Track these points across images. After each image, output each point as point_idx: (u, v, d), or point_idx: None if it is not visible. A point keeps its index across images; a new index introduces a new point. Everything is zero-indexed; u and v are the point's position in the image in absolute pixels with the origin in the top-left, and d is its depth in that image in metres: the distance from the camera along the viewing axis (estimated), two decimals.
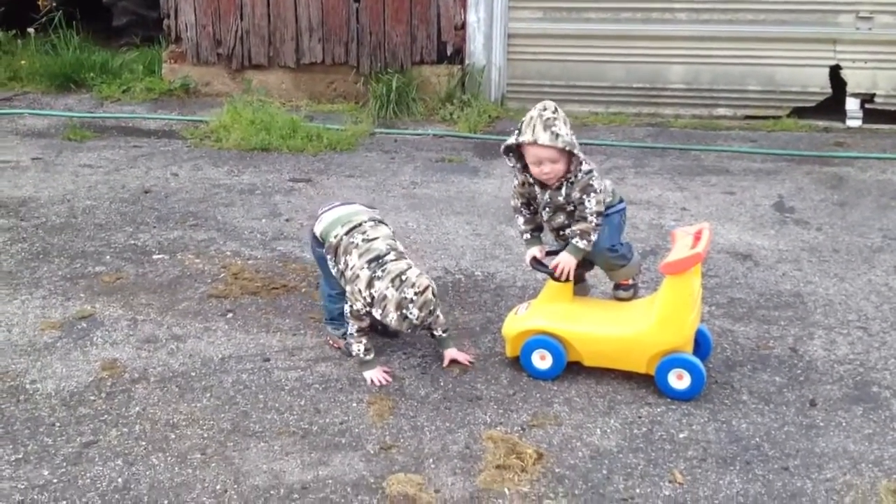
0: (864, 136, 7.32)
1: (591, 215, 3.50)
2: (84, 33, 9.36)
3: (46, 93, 8.70)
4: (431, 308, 3.54)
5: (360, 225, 3.70)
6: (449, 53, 8.17)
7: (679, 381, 3.43)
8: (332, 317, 3.87)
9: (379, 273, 3.52)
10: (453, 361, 3.73)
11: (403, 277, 3.50)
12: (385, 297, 3.49)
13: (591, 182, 3.47)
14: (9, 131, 7.44)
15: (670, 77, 7.98)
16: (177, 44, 8.77)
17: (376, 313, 3.54)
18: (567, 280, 3.66)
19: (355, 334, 3.64)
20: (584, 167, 3.48)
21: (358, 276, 3.56)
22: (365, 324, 3.63)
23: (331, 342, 3.88)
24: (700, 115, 7.88)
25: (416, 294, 3.48)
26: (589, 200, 3.48)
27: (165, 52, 8.89)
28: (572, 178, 3.49)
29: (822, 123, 7.56)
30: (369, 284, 3.53)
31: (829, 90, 7.65)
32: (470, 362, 3.73)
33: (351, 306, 3.60)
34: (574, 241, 3.54)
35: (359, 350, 3.64)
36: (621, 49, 8.01)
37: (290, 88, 8.53)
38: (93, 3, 9.92)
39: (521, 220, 3.74)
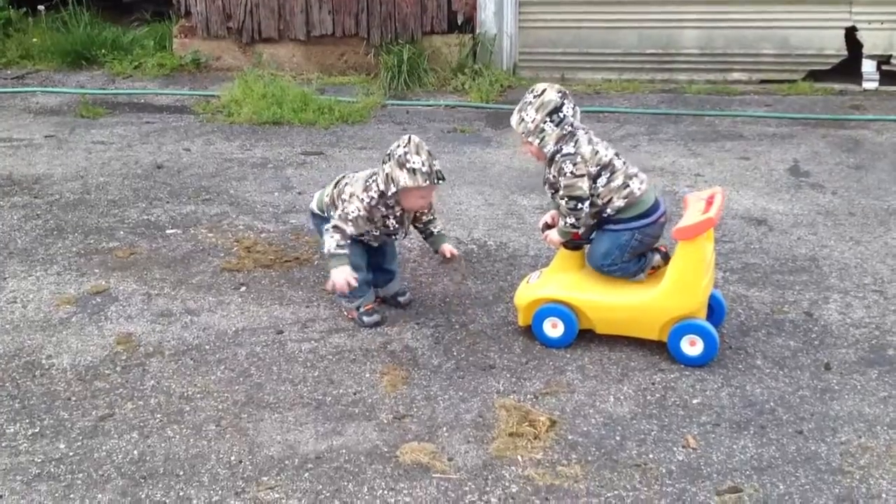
0: (881, 98, 7.23)
1: (562, 199, 3.50)
2: (94, 10, 9.33)
3: (58, 70, 8.71)
4: (427, 149, 3.60)
5: (343, 177, 3.89)
6: (460, 22, 8.11)
7: (692, 347, 3.42)
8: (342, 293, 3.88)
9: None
10: (452, 255, 3.87)
11: (389, 155, 3.62)
12: (386, 172, 3.59)
13: (563, 165, 3.45)
14: (21, 109, 7.46)
15: (683, 42, 7.89)
16: (187, 18, 8.75)
17: (391, 188, 3.57)
18: (576, 248, 3.64)
19: (331, 230, 3.67)
20: (566, 149, 3.46)
21: (354, 186, 3.70)
22: (348, 232, 3.65)
23: (345, 313, 3.89)
24: (714, 80, 7.80)
25: (404, 147, 3.57)
26: (562, 182, 3.48)
27: (176, 27, 8.86)
28: (553, 157, 3.49)
29: (838, 86, 7.47)
30: (366, 184, 3.67)
31: (845, 52, 7.55)
32: (459, 255, 3.89)
33: (342, 209, 3.66)
34: (559, 222, 3.59)
35: (331, 244, 3.66)
36: (633, 14, 7.92)
37: (300, 61, 8.50)
38: None
39: (548, 191, 3.72)
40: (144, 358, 3.60)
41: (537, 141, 3.49)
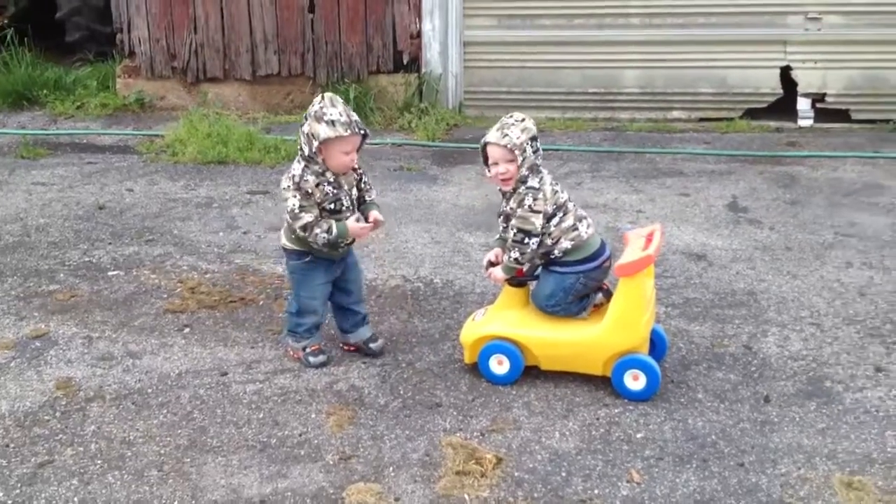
0: (816, 135, 7.45)
1: (512, 230, 3.53)
2: (36, 50, 9.23)
3: None
4: (342, 102, 3.56)
5: None
6: (405, 62, 8.19)
7: (635, 381, 3.46)
8: (291, 329, 3.85)
9: None
10: (376, 221, 3.72)
11: (305, 116, 3.57)
12: (305, 132, 3.53)
13: (525, 197, 3.49)
14: None
15: (625, 82, 8.07)
16: (130, 58, 8.70)
17: (313, 144, 3.49)
18: (520, 285, 3.68)
19: (304, 231, 3.58)
20: (530, 182, 3.50)
21: (282, 186, 3.65)
22: (311, 220, 3.56)
23: (290, 353, 3.86)
24: (655, 118, 7.98)
25: (319, 103, 3.53)
26: (518, 212, 3.50)
27: (119, 66, 8.81)
28: (518, 188, 3.52)
29: (774, 124, 7.69)
30: (289, 173, 3.61)
31: (781, 91, 7.78)
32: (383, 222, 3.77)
33: (287, 212, 3.59)
34: (504, 256, 3.62)
35: (320, 236, 3.56)
36: (576, 55, 8.08)
37: (246, 101, 8.50)
38: (45, 19, 9.82)
39: (501, 224, 3.73)
40: (85, 403, 3.53)
41: (520, 158, 3.49)
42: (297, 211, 3.56)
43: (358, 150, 3.63)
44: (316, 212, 3.58)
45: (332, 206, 3.62)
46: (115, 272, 4.82)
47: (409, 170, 6.71)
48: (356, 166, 3.70)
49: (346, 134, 3.50)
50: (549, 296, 3.58)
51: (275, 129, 7.79)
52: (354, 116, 3.57)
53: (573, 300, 3.59)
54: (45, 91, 8.68)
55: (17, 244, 5.23)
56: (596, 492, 2.96)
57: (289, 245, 3.74)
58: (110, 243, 5.24)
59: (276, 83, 8.45)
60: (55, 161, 7.01)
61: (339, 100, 3.57)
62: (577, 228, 3.54)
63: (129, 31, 8.59)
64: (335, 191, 3.61)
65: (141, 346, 3.99)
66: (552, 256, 3.55)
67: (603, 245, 3.62)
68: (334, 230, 3.56)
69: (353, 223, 3.60)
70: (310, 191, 3.57)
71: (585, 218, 3.60)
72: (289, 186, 3.58)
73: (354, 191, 3.72)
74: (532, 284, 3.73)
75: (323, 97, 3.56)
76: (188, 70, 8.51)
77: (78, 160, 7.04)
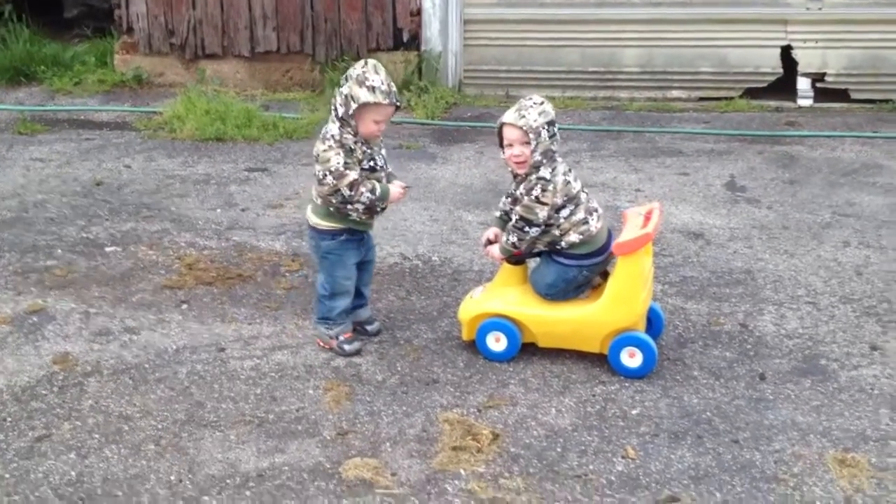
0: (815, 114, 7.42)
1: (516, 215, 3.52)
2: (34, 26, 9.18)
3: None
4: (383, 68, 3.53)
5: None
6: (405, 40, 8.14)
7: (631, 359, 3.48)
8: (322, 316, 3.76)
9: None
10: (406, 188, 3.74)
11: (346, 77, 3.54)
12: (344, 94, 3.48)
13: (535, 186, 3.45)
14: None
15: (625, 60, 8.03)
16: (129, 34, 8.65)
17: (351, 106, 3.45)
18: (518, 263, 3.68)
19: (348, 194, 3.51)
20: (542, 171, 3.46)
21: (317, 150, 3.58)
22: (352, 177, 3.49)
23: (322, 343, 3.77)
24: (654, 97, 7.94)
25: (362, 67, 3.50)
26: (524, 200, 3.48)
27: (117, 43, 8.76)
28: (530, 173, 3.48)
29: (773, 103, 7.65)
30: (322, 136, 3.56)
31: (781, 70, 7.74)
32: (406, 187, 3.76)
33: (327, 173, 3.50)
34: (502, 237, 3.61)
35: (364, 196, 3.51)
36: (576, 33, 8.03)
37: (245, 78, 8.46)
38: None
39: (504, 199, 3.72)
40: (82, 377, 3.54)
41: (533, 143, 3.44)
42: (342, 168, 3.48)
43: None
44: (358, 169, 3.53)
45: (370, 164, 3.58)
46: (112, 248, 4.82)
47: (408, 148, 6.69)
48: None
49: (384, 102, 3.47)
50: (551, 285, 3.58)
51: (273, 106, 7.75)
52: (394, 87, 3.53)
53: (573, 289, 3.60)
54: (42, 67, 8.63)
55: (15, 220, 5.23)
56: (591, 467, 2.98)
57: (323, 224, 3.64)
58: (108, 219, 5.23)
59: (274, 60, 8.40)
60: (53, 137, 6.99)
61: (381, 67, 3.53)
62: (587, 222, 3.51)
63: (127, 7, 8.52)
64: (370, 151, 3.58)
65: (138, 322, 4.00)
66: (558, 247, 3.54)
67: (610, 237, 3.59)
68: (377, 189, 3.53)
69: (394, 186, 3.60)
70: (352, 147, 3.52)
71: (596, 210, 3.57)
72: (330, 146, 3.51)
73: (384, 152, 3.70)
74: (531, 262, 3.73)
75: (367, 62, 3.52)
76: (186, 46, 8.46)
77: (76, 136, 7.02)
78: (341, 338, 3.73)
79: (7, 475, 2.95)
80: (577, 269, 3.55)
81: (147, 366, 3.63)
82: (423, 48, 8.11)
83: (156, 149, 6.68)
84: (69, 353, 3.72)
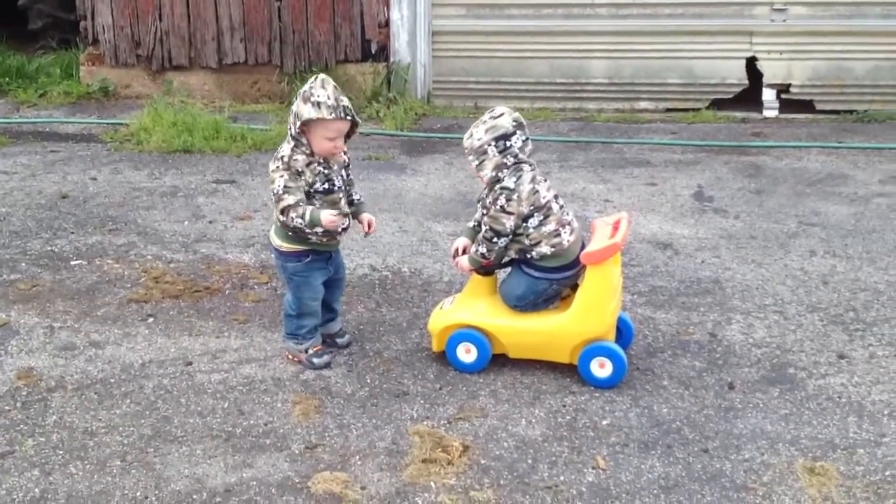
0: (781, 125, 7.51)
1: (485, 226, 3.52)
2: None
3: None
4: (335, 86, 3.43)
5: None
6: (373, 51, 8.15)
7: (601, 369, 3.48)
8: (291, 332, 3.70)
9: None
10: (370, 224, 3.68)
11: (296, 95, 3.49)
12: (293, 112, 3.43)
13: (499, 197, 3.44)
14: None
15: (593, 72, 8.08)
16: (94, 46, 8.59)
17: (297, 124, 3.40)
18: (488, 274, 3.68)
19: (283, 215, 3.45)
20: (506, 182, 3.44)
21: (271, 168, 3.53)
22: (294, 201, 3.43)
23: (291, 357, 3.72)
24: (622, 108, 8.00)
25: (311, 83, 3.42)
26: (490, 212, 3.48)
27: (83, 54, 8.69)
28: (493, 185, 3.49)
29: (739, 114, 7.74)
30: (277, 154, 3.50)
31: (747, 81, 7.83)
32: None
33: (273, 193, 3.47)
34: (471, 247, 3.61)
35: (297, 221, 3.42)
36: (544, 45, 8.08)
37: (212, 89, 8.41)
38: (7, 6, 9.65)
39: (480, 208, 3.69)
40: (46, 393, 3.48)
41: (476, 162, 3.49)
42: (280, 192, 3.42)
43: (348, 137, 3.54)
44: (300, 195, 3.44)
45: (324, 185, 3.49)
46: (77, 262, 4.75)
47: (377, 159, 6.68)
48: (344, 152, 3.61)
49: (329, 117, 3.37)
50: (520, 297, 3.57)
51: (241, 117, 7.72)
52: (344, 102, 3.42)
53: (542, 301, 3.60)
54: (6, 79, 8.56)
55: None
56: (562, 478, 2.97)
57: (286, 246, 3.57)
58: (73, 232, 5.16)
59: (242, 72, 8.37)
60: (17, 150, 6.90)
61: (330, 82, 3.43)
62: (559, 234, 3.49)
63: (92, 19, 8.47)
64: (326, 171, 3.49)
65: (104, 336, 3.94)
66: (528, 256, 3.53)
67: (583, 249, 3.53)
68: (307, 216, 3.40)
69: (326, 213, 3.41)
70: (300, 170, 3.45)
71: (570, 223, 3.55)
72: (277, 167, 3.46)
73: (343, 172, 3.61)
74: (500, 273, 3.72)
75: (316, 77, 3.44)
76: (153, 58, 8.41)
77: (41, 149, 6.94)
78: (310, 351, 3.68)
79: None
80: (548, 283, 3.55)
81: (113, 380, 3.58)
82: (391, 59, 8.12)
83: (122, 161, 6.61)
84: (33, 368, 3.66)
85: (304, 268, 3.60)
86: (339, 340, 3.84)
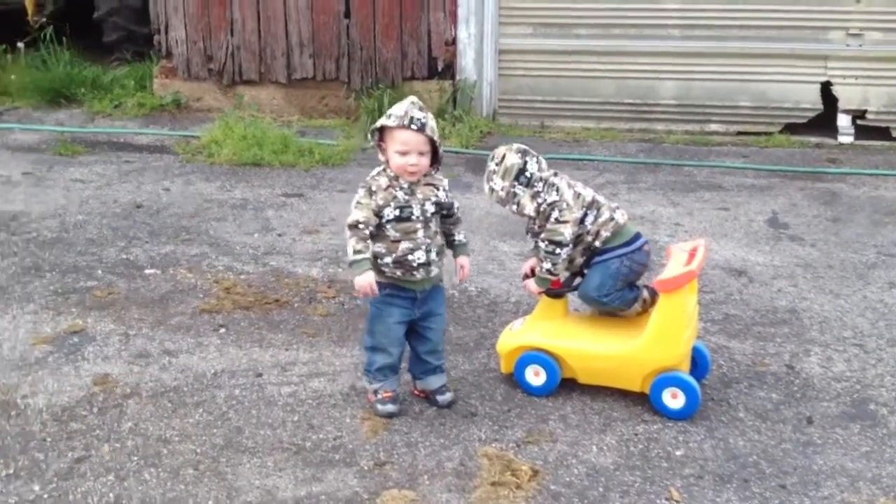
0: (857, 152, 7.35)
1: (542, 242, 3.52)
2: (75, 49, 9.31)
3: (37, 108, 8.64)
4: (416, 105, 3.33)
5: None
6: (440, 69, 8.18)
7: (674, 399, 3.40)
8: (366, 367, 3.53)
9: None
10: (462, 272, 3.55)
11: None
12: None
13: (550, 214, 3.49)
14: None
15: (662, 93, 8.01)
16: (168, 59, 8.76)
17: (373, 139, 3.38)
18: (558, 296, 3.64)
19: (349, 235, 3.33)
20: (549, 199, 3.49)
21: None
22: (358, 221, 3.29)
23: (367, 394, 3.56)
24: (692, 130, 7.90)
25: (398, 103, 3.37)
26: (546, 227, 3.51)
27: (156, 67, 8.87)
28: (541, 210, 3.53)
29: (814, 139, 7.59)
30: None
31: (821, 106, 7.68)
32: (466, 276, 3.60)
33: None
34: (536, 268, 3.61)
35: (349, 251, 3.29)
36: (612, 65, 8.02)
37: (281, 104, 8.52)
38: (83, 19, 9.90)
39: (531, 240, 3.71)
40: (122, 399, 3.53)
41: (514, 207, 3.54)
42: (353, 205, 3.32)
43: (434, 164, 3.39)
44: (368, 214, 3.29)
45: (398, 212, 3.32)
46: (151, 270, 4.83)
47: None
48: (439, 187, 3.42)
49: (393, 125, 3.28)
50: (599, 286, 3.54)
51: (309, 132, 7.80)
52: (417, 114, 3.28)
53: (622, 286, 3.56)
54: (82, 89, 8.75)
55: (56, 240, 5.26)
56: None
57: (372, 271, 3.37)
58: (147, 242, 5.26)
59: (311, 87, 8.46)
60: (93, 159, 7.06)
61: (413, 99, 3.34)
62: (613, 218, 3.56)
63: (166, 32, 8.64)
64: (407, 197, 3.33)
65: (177, 345, 3.99)
66: (594, 248, 3.55)
67: (638, 233, 3.62)
68: (352, 255, 3.27)
69: (362, 278, 3.25)
70: (374, 188, 3.33)
71: (619, 208, 3.63)
72: (361, 186, 3.39)
73: (430, 205, 3.38)
74: (569, 297, 3.69)
75: (405, 98, 3.39)
76: (224, 72, 8.55)
77: (115, 158, 7.09)
78: (379, 395, 3.47)
79: (45, 496, 2.93)
80: (619, 261, 3.53)
81: (186, 389, 3.62)
82: (457, 77, 8.14)
83: (194, 172, 6.72)
84: (109, 375, 3.72)
85: (381, 300, 3.41)
86: (438, 398, 3.53)
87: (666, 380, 3.41)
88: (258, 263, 4.95)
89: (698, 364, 3.62)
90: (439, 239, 3.46)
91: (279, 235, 5.40)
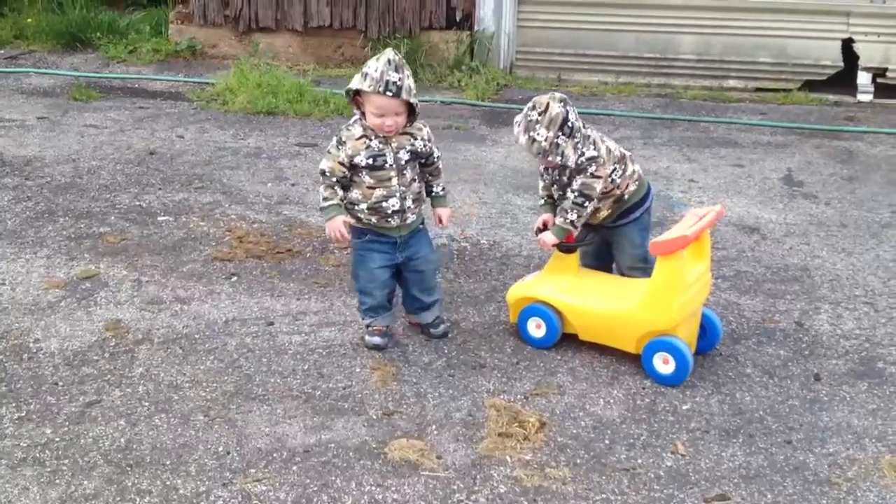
0: (875, 110, 7.25)
1: (573, 192, 3.52)
2: None
3: (52, 52, 8.63)
4: (394, 62, 3.25)
5: None
6: (458, 19, 8.09)
7: (665, 365, 3.35)
8: (359, 307, 3.67)
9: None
10: (441, 221, 3.66)
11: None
12: None
13: (587, 167, 3.49)
14: (14, 90, 7.41)
15: (681, 47, 7.90)
16: (183, 5, 8.70)
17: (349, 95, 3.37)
18: (569, 251, 3.64)
19: (323, 177, 3.43)
20: (588, 153, 3.48)
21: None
22: (325, 169, 3.40)
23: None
24: (710, 86, 7.81)
25: (374, 57, 3.31)
26: (580, 179, 3.50)
27: (172, 12, 8.81)
28: (580, 164, 3.50)
29: (832, 97, 7.49)
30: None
31: (842, 64, 7.57)
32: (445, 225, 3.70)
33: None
34: (557, 219, 3.58)
35: (320, 199, 3.42)
36: (632, 18, 7.92)
37: (297, 52, 8.46)
38: None
39: (541, 183, 3.73)
40: (133, 345, 3.57)
41: (558, 158, 3.44)
42: (326, 152, 3.43)
43: (409, 119, 3.39)
44: (334, 164, 3.38)
45: (371, 160, 3.36)
46: (164, 217, 4.85)
47: (457, 129, 6.66)
48: (416, 136, 3.44)
49: (367, 89, 3.25)
50: (643, 242, 3.63)
51: (324, 81, 7.75)
52: (392, 77, 3.22)
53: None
54: (98, 34, 8.72)
55: (69, 185, 5.28)
56: (640, 461, 2.94)
57: (350, 218, 3.48)
58: (160, 189, 5.27)
59: (327, 35, 8.39)
60: (107, 104, 7.06)
61: (390, 57, 3.26)
62: (635, 171, 3.66)
63: None
64: (381, 146, 3.37)
65: (189, 292, 4.02)
66: (623, 200, 3.62)
67: (648, 183, 3.77)
68: (323, 202, 3.40)
69: (330, 223, 3.38)
70: (344, 139, 3.38)
71: (629, 155, 3.72)
72: (335, 136, 3.47)
73: (404, 153, 3.42)
74: (580, 252, 3.69)
75: (382, 53, 3.31)
76: (240, 19, 8.49)
77: (129, 104, 7.08)
78: (370, 328, 3.61)
79: (57, 439, 2.98)
80: (647, 215, 3.70)
81: (197, 336, 3.65)
82: (475, 28, 8.05)
83: (208, 120, 6.71)
84: (121, 321, 3.75)
85: (362, 246, 3.53)
86: (432, 331, 3.67)
87: (658, 344, 3.35)
88: (271, 212, 4.95)
89: (707, 332, 3.54)
90: (416, 186, 3.51)
91: (292, 185, 5.40)
